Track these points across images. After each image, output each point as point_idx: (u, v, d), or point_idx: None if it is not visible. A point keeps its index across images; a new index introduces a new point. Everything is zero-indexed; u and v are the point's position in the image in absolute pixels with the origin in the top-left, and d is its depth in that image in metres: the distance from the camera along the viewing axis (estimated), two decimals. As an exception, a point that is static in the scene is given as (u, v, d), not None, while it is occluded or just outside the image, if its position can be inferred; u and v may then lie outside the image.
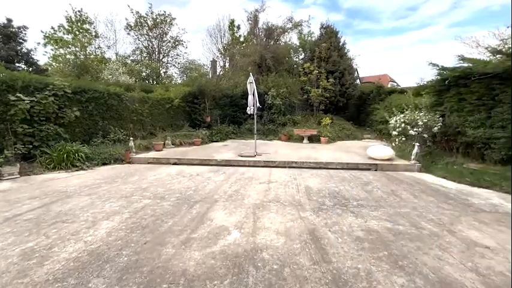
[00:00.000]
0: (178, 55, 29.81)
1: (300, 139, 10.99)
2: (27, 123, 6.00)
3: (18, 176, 5.48)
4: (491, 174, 5.04)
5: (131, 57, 27.89)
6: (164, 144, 9.00)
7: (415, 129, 6.66)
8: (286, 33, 15.15)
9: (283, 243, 2.60)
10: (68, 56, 20.53)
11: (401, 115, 7.17)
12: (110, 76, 17.76)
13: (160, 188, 4.59)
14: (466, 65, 6.19)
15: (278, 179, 5.37)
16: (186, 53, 33.28)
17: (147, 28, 27.51)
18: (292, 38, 20.14)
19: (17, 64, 15.47)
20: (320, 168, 6.50)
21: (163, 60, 29.14)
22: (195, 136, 10.07)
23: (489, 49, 6.24)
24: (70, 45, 21.24)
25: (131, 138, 7.49)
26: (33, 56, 16.14)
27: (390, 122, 7.42)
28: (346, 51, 14.59)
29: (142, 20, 27.34)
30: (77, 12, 23.58)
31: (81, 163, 6.34)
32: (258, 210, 3.55)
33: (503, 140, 5.14)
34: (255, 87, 8.13)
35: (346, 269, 2.17)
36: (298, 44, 16.56)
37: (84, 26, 23.67)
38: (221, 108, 12.80)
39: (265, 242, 2.64)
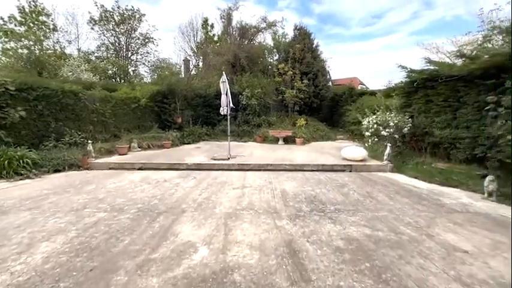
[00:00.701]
0: (148, 53, 28.33)
1: (275, 140, 10.84)
2: None
3: None
4: (458, 174, 5.21)
5: (96, 54, 25.96)
6: (130, 147, 8.28)
7: (387, 130, 6.77)
8: (260, 33, 14.99)
9: (258, 260, 2.30)
10: (20, 51, 18.42)
11: (374, 116, 7.28)
12: (70, 73, 16.27)
13: (119, 198, 4.06)
14: (432, 67, 6.41)
15: (253, 183, 5.08)
16: (156, 51, 31.77)
17: (113, 23, 25.80)
18: (267, 38, 20.13)
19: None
20: (296, 170, 6.32)
21: (131, 58, 27.54)
22: (164, 138, 9.43)
23: (454, 53, 6.53)
24: (23, 39, 19.12)
25: (90, 141, 6.71)
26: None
27: (363, 123, 7.50)
28: (319, 53, 14.78)
29: (108, 15, 25.56)
30: (31, 2, 21.37)
31: (27, 171, 5.52)
32: (231, 220, 3.22)
33: (467, 140, 5.34)
34: (228, 86, 7.80)
35: (327, 288, 1.93)
36: (272, 44, 16.51)
37: (40, 17, 21.52)
38: (193, 109, 12.22)
39: (237, 259, 2.32)
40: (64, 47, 23.58)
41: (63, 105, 7.12)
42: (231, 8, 14.42)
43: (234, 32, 13.81)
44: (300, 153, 8.22)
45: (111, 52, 26.73)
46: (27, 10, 21.73)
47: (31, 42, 20.03)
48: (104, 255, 2.37)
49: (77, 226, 3.00)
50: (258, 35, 14.97)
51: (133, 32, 27.09)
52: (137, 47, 27.93)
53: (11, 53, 18.25)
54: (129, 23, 26.56)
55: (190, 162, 6.61)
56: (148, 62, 29.11)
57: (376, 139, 7.15)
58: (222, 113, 7.96)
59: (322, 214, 3.43)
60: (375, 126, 7.04)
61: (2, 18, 20.83)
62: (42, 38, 19.83)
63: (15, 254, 2.38)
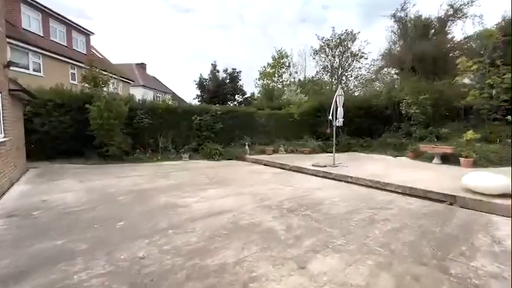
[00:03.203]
0: (360, 68, 30.00)
1: (430, 158, 8.50)
2: (197, 130, 10.82)
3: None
4: None
5: (314, 78, 32.16)
6: (277, 150, 11.18)
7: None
8: (447, 24, 11.28)
9: (189, 208, 4.06)
10: (264, 84, 28.44)
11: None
12: (288, 97, 22.66)
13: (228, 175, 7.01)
14: None
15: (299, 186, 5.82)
16: (367, 63, 32.58)
17: (330, 48, 30.52)
18: (465, 29, 13.67)
19: (236, 96, 24.45)
20: (374, 187, 5.68)
21: (345, 74, 30.82)
22: (306, 146, 11.26)
23: None
24: (269, 76, 29.34)
25: (247, 143, 10.50)
26: (243, 89, 24.59)
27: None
28: None
29: (327, 43, 30.71)
30: (279, 51, 31.66)
31: (217, 156, 10.23)
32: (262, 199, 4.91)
33: None
34: (342, 100, 8.14)
35: None
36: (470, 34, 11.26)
37: (282, 60, 31.29)
38: (351, 120, 12.57)
39: (186, 205, 4.23)
40: (294, 77, 31.90)
41: (243, 121, 11.60)
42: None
43: (409, 32, 11.80)
44: (421, 176, 6.49)
45: (327, 75, 31.75)
46: (276, 56, 32.17)
47: (274, 78, 29.85)
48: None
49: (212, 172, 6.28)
50: (447, 27, 11.46)
51: (347, 51, 30.27)
52: (349, 63, 30.71)
53: (260, 87, 28.64)
54: (344, 44, 30.04)
55: (292, 165, 8.14)
56: (360, 75, 30.75)
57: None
58: (337, 125, 8.42)
59: (275, 210, 4.01)
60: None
61: (264, 67, 32.32)
62: (276, 74, 28.86)
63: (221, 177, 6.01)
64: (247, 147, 10.53)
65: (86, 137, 9.09)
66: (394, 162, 8.87)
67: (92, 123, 8.84)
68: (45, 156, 9.01)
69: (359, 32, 30.32)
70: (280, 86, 30.15)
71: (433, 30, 11.55)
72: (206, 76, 23.79)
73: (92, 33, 18.97)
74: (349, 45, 29.78)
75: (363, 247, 2.86)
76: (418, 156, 9.12)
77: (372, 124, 12.83)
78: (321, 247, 2.86)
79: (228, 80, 24.14)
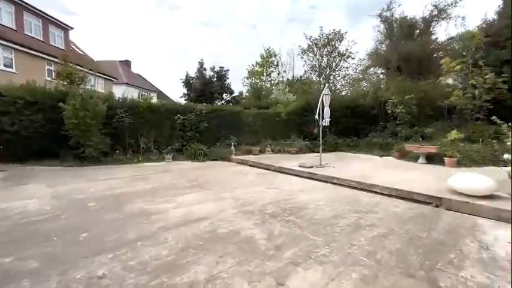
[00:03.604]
0: (347, 68, 30.16)
1: (416, 158, 8.52)
2: (181, 130, 10.43)
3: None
4: None
5: (303, 78, 32.11)
6: (264, 150, 10.96)
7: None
8: (432, 25, 11.42)
9: (164, 215, 3.75)
10: (252, 83, 28.23)
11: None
12: (276, 96, 22.52)
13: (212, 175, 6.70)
14: None
15: (276, 186, 5.61)
16: (354, 63, 32.84)
17: (318, 48, 30.54)
18: (448, 30, 13.97)
19: (223, 94, 24.10)
20: (353, 187, 5.55)
21: (332, 74, 30.95)
22: (293, 146, 11.11)
23: None
24: (257, 75, 29.09)
25: (232, 143, 10.21)
26: (231, 88, 24.25)
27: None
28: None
29: (314, 42, 30.69)
30: (267, 50, 31.44)
31: (202, 157, 9.88)
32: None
33: None
34: (329, 99, 8.02)
35: None
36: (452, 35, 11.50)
37: (270, 59, 31.10)
38: (338, 119, 12.53)
39: (161, 212, 3.92)
40: (282, 76, 31.73)
41: (229, 121, 11.30)
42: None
43: (395, 32, 11.87)
44: (407, 176, 6.44)
45: (315, 74, 31.76)
46: (265, 55, 31.86)
47: (262, 77, 29.65)
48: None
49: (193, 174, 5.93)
50: (431, 27, 11.60)
51: (334, 51, 30.38)
52: (336, 63, 30.85)
53: (249, 86, 28.40)
54: (332, 44, 30.14)
55: (277, 166, 7.93)
56: (347, 75, 30.94)
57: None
58: (324, 124, 8.30)
59: (256, 216, 3.77)
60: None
61: (253, 65, 32.03)
62: (264, 73, 28.65)
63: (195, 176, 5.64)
64: (232, 147, 10.25)
65: (61, 137, 8.54)
66: (380, 162, 8.84)
67: (67, 122, 8.30)
68: (15, 158, 8.40)
69: (346, 32, 30.50)
70: (268, 85, 29.99)
71: (418, 31, 11.67)
72: (193, 74, 23.32)
73: (71, 27, 18.10)
74: (336, 45, 30.03)
75: (348, 257, 2.67)
76: (404, 156, 9.14)
77: (359, 124, 12.85)
78: (302, 258, 2.64)
79: (215, 79, 23.76)
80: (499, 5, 10.22)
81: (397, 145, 9.73)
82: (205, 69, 23.01)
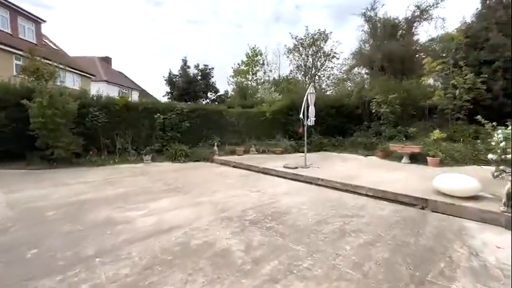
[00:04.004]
0: (332, 68, 30.39)
1: (400, 157, 8.52)
2: (161, 130, 9.93)
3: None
4: None
5: (289, 77, 32.02)
6: (249, 150, 10.66)
7: (518, 152, 3.74)
8: (413, 25, 11.62)
9: (132, 225, 3.36)
10: (238, 81, 27.90)
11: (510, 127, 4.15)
12: (262, 95, 22.23)
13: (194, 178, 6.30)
14: None
15: (265, 189, 5.33)
16: (339, 63, 33.26)
17: (303, 47, 30.59)
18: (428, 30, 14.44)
19: (208, 93, 23.56)
20: (338, 189, 5.37)
21: (318, 74, 31.10)
22: (278, 146, 10.89)
23: None
24: (243, 74, 28.75)
25: (215, 143, 9.83)
26: (216, 86, 23.77)
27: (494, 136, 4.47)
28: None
29: (300, 42, 30.73)
30: (253, 48, 31.12)
31: (182, 158, 9.43)
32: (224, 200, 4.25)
33: None
34: (313, 98, 7.84)
35: None
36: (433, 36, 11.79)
37: (256, 58, 30.80)
38: (323, 119, 12.45)
39: (129, 221, 3.52)
40: (268, 76, 31.51)
41: (212, 120, 10.90)
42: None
43: (378, 33, 11.95)
44: (391, 176, 6.35)
45: (301, 73, 31.80)
46: (250, 54, 31.52)
47: (248, 76, 29.35)
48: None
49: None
50: (413, 28, 11.77)
51: (319, 51, 30.55)
52: (321, 63, 31.03)
53: (234, 85, 28.01)
54: (317, 44, 30.29)
55: (261, 167, 7.65)
56: (331, 75, 31.22)
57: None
58: (309, 124, 8.12)
59: (235, 223, 3.46)
60: (507, 143, 4.03)
61: (238, 64, 31.69)
62: (250, 72, 28.36)
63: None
64: (215, 147, 9.87)
65: (28, 137, 7.83)
66: (365, 161, 8.77)
67: (33, 121, 7.62)
68: (-26, 160, 7.64)
69: (331, 33, 30.97)
70: (254, 84, 29.71)
71: (400, 31, 11.80)
72: (176, 72, 22.61)
73: (43, 20, 16.97)
74: (321, 45, 30.29)
75: (332, 271, 2.41)
76: (388, 155, 9.13)
77: (344, 123, 12.83)
78: (283, 273, 2.36)
79: (199, 77, 23.17)
80: (477, 8, 10.46)
81: (381, 145, 9.72)
82: (189, 67, 22.39)
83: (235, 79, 30.63)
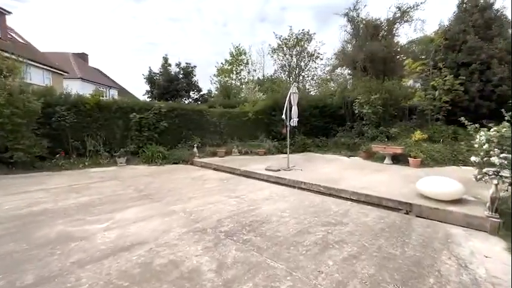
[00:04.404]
0: (316, 68, 30.50)
1: (382, 158, 8.50)
2: (137, 130, 9.34)
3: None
4: None
5: (273, 77, 31.80)
6: (231, 152, 10.29)
7: (502, 156, 3.67)
8: (394, 27, 11.77)
9: (87, 242, 2.92)
10: (222, 81, 27.40)
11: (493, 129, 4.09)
12: (246, 95, 21.88)
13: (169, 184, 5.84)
14: None
15: (246, 194, 5.01)
16: (322, 64, 33.48)
17: (287, 47, 30.50)
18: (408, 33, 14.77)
19: (190, 92, 22.87)
20: (320, 193, 5.15)
21: (302, 74, 31.15)
22: (261, 147, 10.61)
23: None
24: (226, 73, 28.24)
25: (195, 144, 9.39)
26: (198, 85, 23.11)
27: (477, 139, 4.41)
28: (508, 27, 9.23)
29: (284, 42, 30.60)
30: (237, 47, 30.67)
31: (160, 160, 8.90)
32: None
33: None
34: (296, 98, 7.62)
35: None
36: (413, 38, 12.05)
37: (240, 57, 30.38)
38: (306, 119, 12.32)
39: (85, 237, 3.07)
40: (253, 75, 31.15)
41: (192, 120, 10.43)
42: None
43: (361, 33, 11.99)
44: (375, 178, 6.24)
45: (285, 73, 31.69)
46: (234, 53, 31.03)
47: (232, 75, 28.89)
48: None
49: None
50: (393, 29, 11.92)
51: (304, 51, 30.59)
52: (305, 63, 31.10)
53: (218, 85, 27.46)
54: (301, 44, 30.32)
55: (243, 169, 7.32)
56: (314, 76, 31.34)
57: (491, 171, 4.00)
58: (292, 124, 7.89)
59: None
60: (486, 145, 3.96)
61: (222, 63, 31.03)
62: (234, 71, 27.91)
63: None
64: (195, 149, 9.41)
65: (-16, 139, 7.05)
66: (348, 163, 8.66)
67: (-13, 122, 6.86)
68: None
69: (315, 33, 31.08)
70: (238, 84, 29.29)
71: (382, 32, 11.89)
72: (157, 70, 21.74)
73: (8, 12, 15.67)
74: (305, 46, 30.39)
75: (313, 294, 2.13)
76: (371, 156, 9.09)
77: (327, 123, 12.75)
78: (257, 299, 2.05)
79: (181, 75, 22.44)
80: (454, 12, 10.68)
81: (364, 145, 9.68)
82: (170, 65, 21.58)
83: (219, 78, 30.06)
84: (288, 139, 7.85)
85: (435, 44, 9.69)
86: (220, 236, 3.22)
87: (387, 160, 8.30)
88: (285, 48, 30.38)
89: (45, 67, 17.85)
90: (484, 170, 4.05)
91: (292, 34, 29.45)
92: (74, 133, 8.49)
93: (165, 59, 21.48)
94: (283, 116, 7.36)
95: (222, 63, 30.86)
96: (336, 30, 42.89)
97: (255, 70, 30.90)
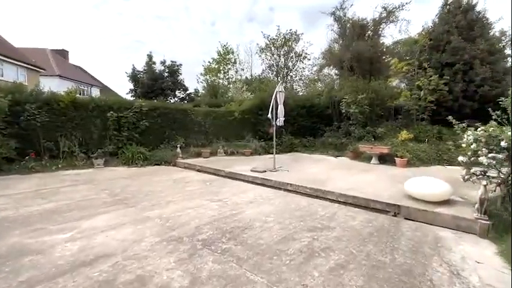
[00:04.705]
0: (303, 68, 30.55)
1: (369, 158, 8.45)
2: (116, 130, 8.85)
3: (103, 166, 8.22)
4: None
5: (261, 77, 31.54)
6: (216, 152, 9.98)
7: (490, 156, 3.58)
8: (380, 27, 11.85)
9: (43, 257, 2.56)
10: (209, 80, 26.94)
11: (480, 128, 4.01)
12: (233, 94, 21.53)
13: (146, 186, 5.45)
14: None
15: (228, 198, 4.74)
16: (310, 65, 33.60)
17: (275, 47, 30.35)
18: (394, 33, 15.02)
19: (176, 91, 22.30)
20: (305, 194, 4.95)
21: (290, 74, 31.10)
22: (248, 147, 10.36)
23: None
24: (213, 72, 27.79)
25: (178, 145, 9.01)
26: (184, 84, 22.56)
27: (464, 138, 4.33)
28: (489, 28, 9.44)
29: (272, 41, 30.43)
30: (224, 46, 30.25)
31: (141, 161, 8.47)
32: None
33: None
34: (282, 97, 7.43)
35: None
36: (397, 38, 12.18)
37: (228, 56, 29.98)
38: (293, 119, 12.17)
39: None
40: (241, 74, 30.82)
41: (176, 119, 10.03)
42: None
43: (347, 33, 11.97)
44: (362, 179, 6.12)
45: (273, 73, 31.56)
46: (222, 52, 30.60)
47: (219, 74, 28.48)
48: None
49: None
50: (379, 29, 11.99)
51: (291, 51, 30.56)
52: (293, 63, 31.09)
53: (205, 84, 26.98)
54: (289, 44, 30.27)
55: (227, 171, 7.04)
56: (302, 76, 31.40)
57: (478, 171, 3.93)
58: (278, 124, 7.70)
59: None
60: (474, 145, 3.87)
61: (209, 62, 30.49)
62: (221, 70, 27.51)
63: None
64: (179, 149, 9.02)
65: None
66: (335, 163, 8.55)
67: None
68: None
69: (302, 34, 31.13)
70: (226, 83, 28.90)
71: (369, 32, 11.92)
72: (141, 68, 21.00)
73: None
74: (293, 46, 30.38)
75: (296, 313, 1.90)
76: (358, 156, 9.02)
77: (315, 123, 12.66)
78: (232, 322, 1.79)
79: (167, 74, 21.82)
80: (437, 14, 10.82)
81: (351, 145, 9.62)
82: (154, 63, 20.92)
83: (206, 77, 29.56)
84: (275, 139, 7.65)
85: (420, 44, 9.76)
86: (197, 246, 2.93)
87: (374, 160, 8.25)
88: (272, 48, 30.35)
89: (19, 63, 16.86)
90: (472, 170, 3.98)
91: (280, 34, 29.44)
92: (46, 133, 7.92)
93: (150, 57, 20.82)
94: (269, 115, 7.15)
95: (209, 61, 30.45)
96: (324, 31, 43.17)
97: (242, 69, 30.61)
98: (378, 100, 10.31)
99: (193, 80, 47.75)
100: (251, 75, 31.32)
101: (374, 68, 11.62)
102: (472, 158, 3.99)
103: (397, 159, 7.67)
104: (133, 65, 20.85)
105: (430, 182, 4.26)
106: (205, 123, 10.73)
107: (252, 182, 6.26)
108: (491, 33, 9.64)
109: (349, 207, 4.43)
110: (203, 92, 27.52)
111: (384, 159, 8.18)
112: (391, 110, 10.96)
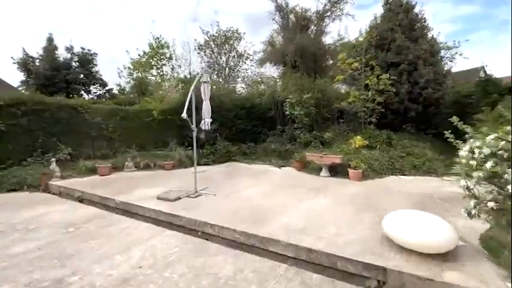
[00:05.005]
0: (246, 69, 29.06)
1: (318, 169, 7.01)
2: None
3: None
4: None
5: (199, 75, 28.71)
6: (123, 166, 7.23)
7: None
8: (324, 21, 11.08)
9: None
10: (136, 75, 23.11)
11: (491, 136, 2.64)
12: (166, 92, 18.44)
13: None
14: None
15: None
16: (253, 66, 32.44)
17: (215, 45, 28.10)
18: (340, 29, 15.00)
19: (92, 87, 17.98)
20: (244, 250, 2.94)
21: (231, 75, 29.20)
22: (170, 157, 7.91)
23: None
24: (142, 68, 24.00)
25: (53, 159, 6.01)
26: (103, 79, 18.41)
27: (461, 152, 2.93)
28: (428, 30, 9.27)
29: (212, 39, 28.07)
30: (157, 39, 26.62)
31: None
32: None
33: None
34: (208, 90, 5.39)
35: None
36: (341, 35, 11.75)
37: (161, 50, 26.43)
38: (231, 122, 10.23)
39: None
40: (178, 72, 27.56)
41: (59, 120, 6.91)
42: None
43: (290, 25, 10.77)
44: (315, 206, 4.43)
45: (214, 73, 29.17)
46: (154, 46, 26.87)
47: (151, 70, 24.80)
48: None
49: None
50: (322, 24, 11.16)
51: (233, 50, 28.73)
52: (235, 63, 29.36)
53: (132, 80, 23.02)
54: (230, 43, 28.38)
55: (120, 200, 4.55)
56: (246, 77, 29.76)
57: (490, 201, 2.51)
58: (202, 128, 5.61)
59: None
60: (501, 164, 2.45)
61: (139, 55, 26.47)
62: (153, 65, 24.00)
63: None
64: (54, 165, 5.99)
65: None
66: (280, 177, 6.82)
67: None
68: None
69: (244, 33, 29.58)
70: (160, 80, 25.35)
71: (313, 26, 10.87)
72: (36, 54, 16.01)
73: None
74: (235, 45, 28.69)
75: None
76: (305, 166, 7.52)
77: (256, 127, 10.90)
78: None
79: (77, 64, 17.34)
80: (381, 12, 10.33)
81: (297, 153, 8.08)
82: (56, 49, 16.26)
83: (135, 72, 25.45)
84: (195, 148, 5.54)
85: (365, 39, 8.94)
86: None
87: (324, 172, 6.80)
88: (212, 45, 28.09)
89: None
90: (491, 204, 2.52)
91: (220, 31, 27.38)
92: None
93: (50, 40, 16.05)
94: (184, 115, 5.00)
95: (139, 54, 26.38)
96: (267, 35, 42.85)
97: (179, 66, 27.49)
98: (325, 101, 9.11)
99: (122, 76, 41.66)
100: (189, 73, 28.45)
101: (318, 67, 10.52)
102: (483, 182, 2.57)
103: (351, 171, 6.34)
104: (23, 48, 15.57)
105: (418, 220, 2.72)
106: (109, 126, 7.79)
107: (154, 220, 3.95)
108: (430, 35, 9.45)
109: (303, 271, 2.58)
110: (130, 89, 23.47)
111: (335, 170, 6.81)
112: (335, 113, 9.95)
